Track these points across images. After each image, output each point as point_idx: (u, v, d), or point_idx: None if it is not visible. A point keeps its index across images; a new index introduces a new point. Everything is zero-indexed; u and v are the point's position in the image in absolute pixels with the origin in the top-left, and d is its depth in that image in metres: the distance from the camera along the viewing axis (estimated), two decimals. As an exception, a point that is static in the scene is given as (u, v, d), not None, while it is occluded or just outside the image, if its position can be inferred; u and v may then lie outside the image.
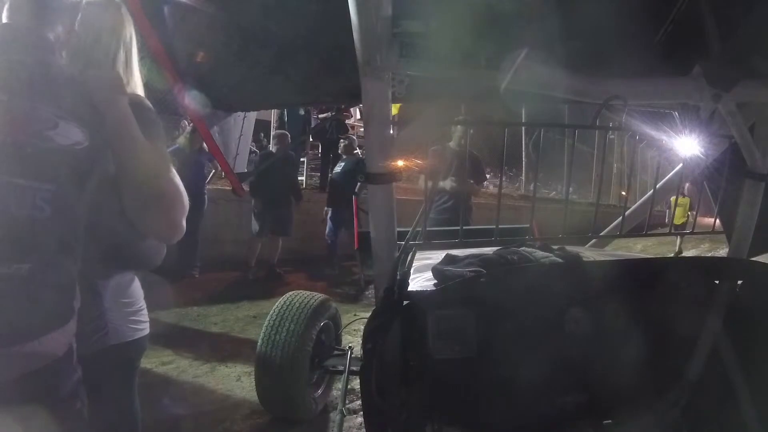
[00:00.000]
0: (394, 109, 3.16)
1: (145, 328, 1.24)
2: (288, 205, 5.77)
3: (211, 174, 5.63)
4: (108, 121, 0.94)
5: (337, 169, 6.06)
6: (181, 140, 5.30)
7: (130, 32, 1.17)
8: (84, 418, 0.93)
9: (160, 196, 1.00)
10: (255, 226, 5.64)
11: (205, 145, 5.35)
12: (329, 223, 6.18)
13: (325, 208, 6.22)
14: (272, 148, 5.82)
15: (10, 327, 0.78)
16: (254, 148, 6.00)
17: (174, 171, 1.06)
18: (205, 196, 5.50)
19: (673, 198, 9.06)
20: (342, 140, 6.46)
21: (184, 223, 1.05)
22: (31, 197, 0.80)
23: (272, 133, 5.82)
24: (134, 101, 1.04)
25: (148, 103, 1.14)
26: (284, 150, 5.80)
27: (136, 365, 1.27)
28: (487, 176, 8.72)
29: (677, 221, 9.60)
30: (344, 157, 6.25)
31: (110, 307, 1.13)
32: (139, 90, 1.19)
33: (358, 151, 6.48)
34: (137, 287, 1.25)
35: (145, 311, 1.26)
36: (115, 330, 1.14)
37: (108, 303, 1.13)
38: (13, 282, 0.78)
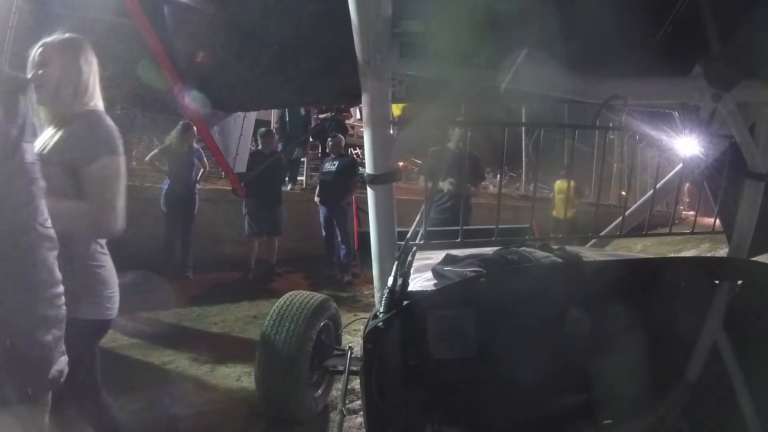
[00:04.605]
0: (397, 109, 3.16)
1: (111, 314, 1.38)
2: (278, 204, 5.76)
3: (200, 172, 5.47)
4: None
5: (331, 168, 5.93)
6: (171, 138, 5.15)
7: (92, 61, 1.37)
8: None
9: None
10: (251, 226, 5.63)
11: (194, 143, 5.30)
12: (323, 224, 6.08)
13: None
14: (260, 146, 5.69)
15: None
16: (255, 148, 5.98)
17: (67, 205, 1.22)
18: (196, 196, 5.38)
19: (558, 183, 7.59)
20: (329, 139, 6.26)
21: (114, 222, 1.25)
22: None
23: (260, 131, 5.63)
24: (84, 115, 1.25)
25: (104, 118, 1.34)
26: (273, 149, 5.75)
27: (93, 345, 1.40)
28: (487, 177, 8.69)
29: (558, 214, 7.08)
30: (332, 156, 6.10)
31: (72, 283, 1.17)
32: (100, 105, 1.38)
33: (358, 151, 6.38)
34: (111, 275, 1.39)
35: (115, 298, 1.40)
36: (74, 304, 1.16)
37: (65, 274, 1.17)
38: None
